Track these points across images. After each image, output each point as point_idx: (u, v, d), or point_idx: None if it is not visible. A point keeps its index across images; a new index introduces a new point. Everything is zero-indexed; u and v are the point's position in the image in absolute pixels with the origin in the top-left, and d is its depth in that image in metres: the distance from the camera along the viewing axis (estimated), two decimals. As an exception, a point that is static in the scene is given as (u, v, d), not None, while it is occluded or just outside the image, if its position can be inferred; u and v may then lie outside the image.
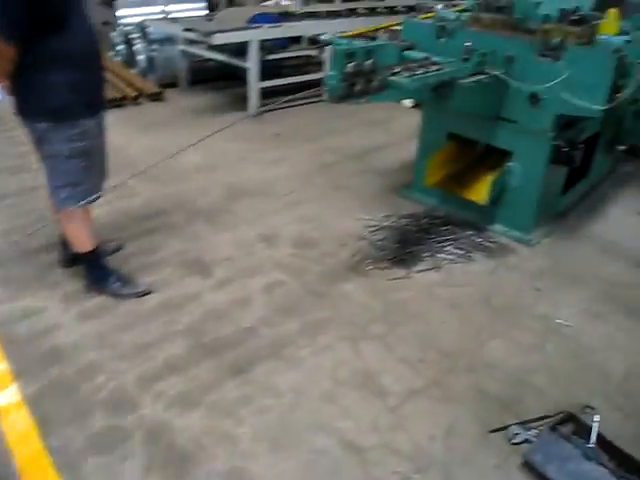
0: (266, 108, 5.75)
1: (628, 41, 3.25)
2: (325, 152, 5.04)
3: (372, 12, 7.24)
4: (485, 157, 3.87)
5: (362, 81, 2.53)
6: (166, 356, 2.61)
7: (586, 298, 3.22)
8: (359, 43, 2.50)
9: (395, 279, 3.25)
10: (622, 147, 5.20)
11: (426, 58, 3.04)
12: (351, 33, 4.42)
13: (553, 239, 3.81)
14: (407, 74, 2.67)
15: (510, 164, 3.61)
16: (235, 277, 3.25)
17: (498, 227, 3.83)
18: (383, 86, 2.61)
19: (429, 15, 4.47)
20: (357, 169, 4.71)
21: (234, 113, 6.05)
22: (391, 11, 7.38)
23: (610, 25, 3.66)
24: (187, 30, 5.99)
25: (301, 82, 6.29)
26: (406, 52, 3.46)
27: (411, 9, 7.64)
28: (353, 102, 2.54)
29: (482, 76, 3.15)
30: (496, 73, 3.23)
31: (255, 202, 4.12)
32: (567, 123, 3.55)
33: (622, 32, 3.74)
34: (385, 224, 3.78)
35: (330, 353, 2.67)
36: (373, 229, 3.72)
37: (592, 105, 3.15)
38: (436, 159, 3.72)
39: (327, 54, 6.19)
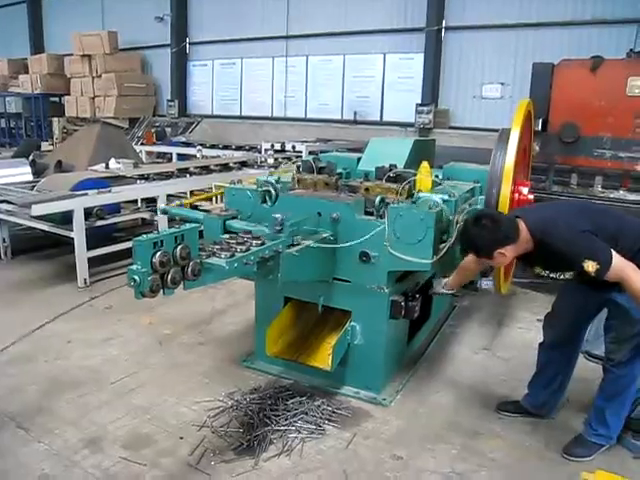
0: (96, 278, 5.31)
1: (444, 200, 3.40)
2: (161, 324, 4.64)
3: (204, 170, 7.29)
4: (326, 317, 3.75)
5: (175, 269, 2.30)
6: None
7: (449, 459, 3.04)
8: (167, 231, 2.29)
9: (242, 473, 2.85)
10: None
11: (248, 231, 2.91)
12: (187, 201, 4.27)
13: (406, 393, 3.68)
14: (225, 254, 2.50)
15: (351, 324, 3.50)
16: (48, 505, 2.65)
17: (348, 389, 3.63)
18: (199, 270, 2.40)
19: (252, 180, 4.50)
20: (196, 341, 4.36)
21: (63, 285, 5.52)
22: (224, 168, 7.52)
23: (424, 179, 3.86)
24: (1, 202, 5.54)
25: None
26: (229, 222, 3.36)
27: (243, 164, 7.87)
28: (167, 294, 2.28)
29: (301, 245, 3.07)
30: (308, 243, 3.14)
31: (80, 395, 3.55)
32: (401, 276, 3.58)
33: (435, 184, 3.96)
34: (229, 404, 3.41)
35: None
36: (215, 413, 3.32)
37: (421, 259, 3.19)
38: (275, 327, 3.52)
39: (161, 217, 6.01)
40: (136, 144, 12.07)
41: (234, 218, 3.44)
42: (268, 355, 3.55)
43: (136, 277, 2.12)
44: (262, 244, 2.71)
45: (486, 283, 5.20)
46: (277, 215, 2.95)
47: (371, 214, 3.46)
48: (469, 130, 10.81)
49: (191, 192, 7.73)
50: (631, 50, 6.52)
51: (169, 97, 14.87)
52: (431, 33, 10.89)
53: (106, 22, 15.52)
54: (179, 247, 2.29)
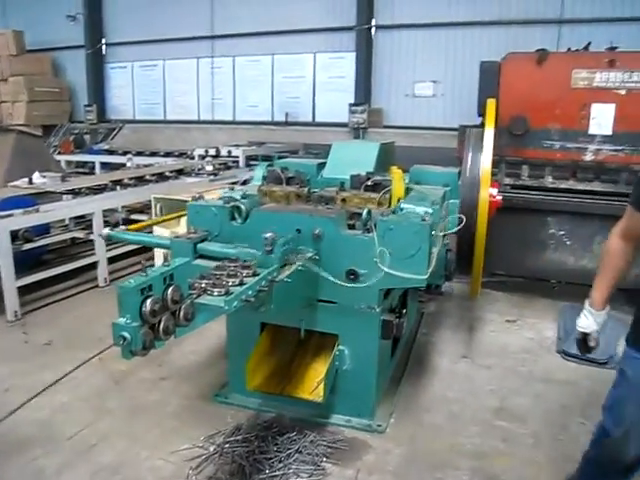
0: (28, 308, 4.69)
1: (429, 213, 3.14)
2: (114, 358, 4.04)
3: (140, 180, 6.75)
4: (306, 341, 3.43)
5: (167, 316, 1.92)
6: None
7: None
8: (155, 271, 1.90)
9: (242, 534, 2.50)
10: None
11: (235, 259, 2.55)
12: (135, 226, 3.80)
13: (399, 415, 3.44)
14: (219, 290, 2.14)
15: (338, 348, 3.20)
16: None
17: (338, 418, 3.33)
18: (193, 313, 2.03)
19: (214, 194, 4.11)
20: (157, 376, 3.88)
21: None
22: (160, 177, 7.01)
23: (398, 186, 3.62)
24: None
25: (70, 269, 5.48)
26: (201, 246, 2.98)
27: (180, 172, 7.40)
28: (159, 347, 1.90)
29: (293, 267, 2.75)
30: (302, 263, 2.83)
31: (32, 459, 2.99)
32: (386, 292, 3.32)
33: (407, 190, 3.74)
34: (211, 450, 3.03)
35: None
36: (197, 463, 2.93)
37: (415, 275, 2.93)
38: (254, 359, 3.16)
39: (96, 236, 5.45)
40: (53, 153, 11.18)
41: (204, 240, 3.05)
42: (249, 390, 3.19)
43: (126, 334, 1.73)
44: (254, 274, 2.36)
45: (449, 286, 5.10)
46: (267, 234, 2.62)
47: (353, 227, 3.18)
48: (403, 129, 10.76)
49: (122, 206, 7.09)
50: (568, 49, 6.57)
51: (86, 102, 13.92)
52: (361, 32, 10.75)
53: (10, 21, 14.28)
54: (170, 289, 1.91)
